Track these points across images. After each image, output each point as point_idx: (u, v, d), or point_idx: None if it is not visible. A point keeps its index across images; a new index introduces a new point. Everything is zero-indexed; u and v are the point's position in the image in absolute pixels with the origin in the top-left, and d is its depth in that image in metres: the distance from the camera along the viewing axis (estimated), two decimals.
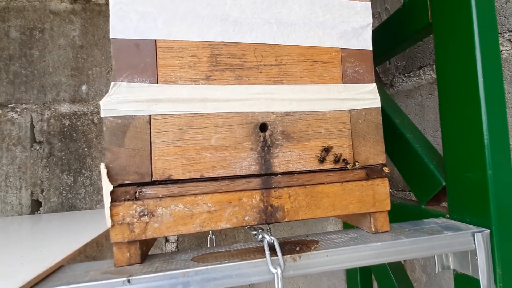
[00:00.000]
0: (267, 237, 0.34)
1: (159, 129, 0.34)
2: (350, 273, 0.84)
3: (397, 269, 0.66)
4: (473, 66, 0.42)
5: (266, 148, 0.37)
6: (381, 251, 0.35)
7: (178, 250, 0.80)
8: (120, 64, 0.34)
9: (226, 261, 0.32)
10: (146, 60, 0.35)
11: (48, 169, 0.74)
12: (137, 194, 0.33)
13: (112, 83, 0.34)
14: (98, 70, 0.79)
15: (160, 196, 0.33)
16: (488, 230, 0.40)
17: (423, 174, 0.52)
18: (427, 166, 0.51)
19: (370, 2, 0.42)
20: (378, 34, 0.66)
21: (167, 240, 0.79)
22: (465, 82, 0.43)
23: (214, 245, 0.67)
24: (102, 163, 0.33)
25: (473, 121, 0.42)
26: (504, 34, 0.51)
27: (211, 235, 0.67)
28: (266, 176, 0.37)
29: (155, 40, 0.35)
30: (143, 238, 0.33)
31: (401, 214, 0.56)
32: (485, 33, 0.42)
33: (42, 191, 0.74)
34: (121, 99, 0.34)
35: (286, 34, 0.39)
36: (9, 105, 0.74)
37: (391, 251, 0.36)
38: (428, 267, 0.71)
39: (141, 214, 0.32)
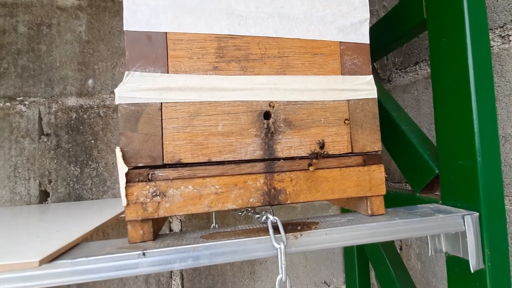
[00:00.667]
0: (270, 217, 0.37)
1: (169, 116, 0.37)
2: (348, 263, 0.87)
3: (394, 257, 0.68)
4: (464, 60, 0.44)
5: (269, 135, 0.39)
6: (376, 231, 0.38)
7: None
8: (133, 55, 0.36)
9: (233, 238, 0.34)
10: (157, 51, 0.37)
11: (55, 161, 0.77)
12: (149, 176, 0.35)
13: (126, 72, 0.36)
14: (104, 64, 0.81)
15: (171, 178, 0.36)
16: (477, 213, 0.42)
17: (417, 163, 0.55)
18: (421, 156, 0.54)
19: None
20: (376, 30, 0.68)
21: (171, 230, 0.82)
22: (457, 75, 0.46)
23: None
24: (117, 147, 0.35)
25: (464, 112, 0.44)
26: (495, 30, 0.53)
27: (214, 224, 0.70)
28: (270, 161, 0.39)
29: (166, 32, 0.37)
30: (156, 217, 0.35)
31: (396, 201, 0.59)
32: (476, 29, 0.44)
33: (50, 181, 0.76)
34: (135, 88, 0.36)
35: (288, 28, 0.41)
36: (18, 98, 0.76)
37: (386, 231, 0.38)
38: (423, 255, 0.74)
39: (153, 194, 0.35)
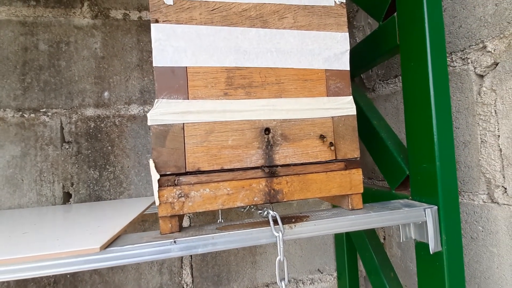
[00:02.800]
0: (271, 212, 0.47)
1: (190, 134, 0.46)
2: (339, 252, 0.98)
3: (376, 246, 0.79)
4: (426, 81, 0.55)
5: (269, 147, 0.49)
6: (355, 221, 0.48)
7: None
8: (161, 85, 0.46)
9: (242, 229, 0.44)
10: (179, 82, 0.47)
11: (77, 165, 0.86)
12: (176, 181, 0.45)
13: (156, 100, 0.45)
14: (118, 78, 0.90)
15: (192, 183, 0.46)
16: (436, 207, 0.53)
17: (393, 165, 0.65)
18: (396, 159, 0.64)
19: (348, 33, 0.54)
20: (361, 48, 0.78)
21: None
22: (421, 94, 0.56)
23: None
24: (150, 159, 0.44)
25: (426, 123, 0.55)
26: (457, 53, 0.64)
27: (220, 219, 0.80)
28: (270, 168, 0.49)
29: (186, 66, 0.47)
30: (181, 213, 0.45)
31: (376, 197, 0.70)
32: (436, 56, 0.54)
33: (72, 184, 0.85)
34: (163, 112, 0.45)
35: (284, 59, 0.51)
36: (41, 110, 0.85)
37: (362, 222, 0.49)
38: (402, 244, 0.85)
39: (179, 196, 0.45)
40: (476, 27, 0.59)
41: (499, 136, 0.56)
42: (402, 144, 0.68)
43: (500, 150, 0.56)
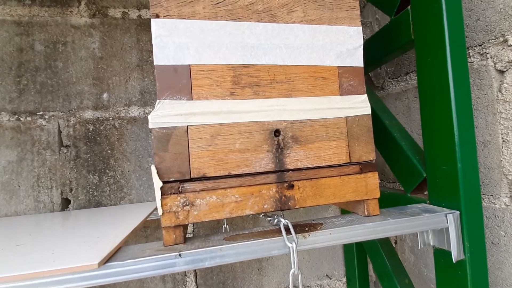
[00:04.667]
0: (282, 220, 0.44)
1: (194, 137, 0.43)
2: (348, 257, 0.94)
3: (389, 251, 0.76)
4: (445, 77, 0.51)
5: (279, 150, 0.46)
6: (372, 229, 0.45)
7: None
8: (162, 85, 0.42)
9: (252, 239, 0.41)
10: (182, 81, 0.43)
11: (75, 170, 0.83)
12: (180, 188, 0.42)
13: (157, 101, 0.42)
14: (117, 79, 0.87)
15: (198, 190, 0.42)
16: (458, 212, 0.49)
17: (408, 167, 0.62)
18: (411, 161, 0.61)
19: (361, 27, 0.51)
20: (369, 45, 0.75)
21: None
22: (439, 90, 0.52)
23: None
24: (152, 165, 0.41)
25: (446, 122, 0.51)
26: (475, 48, 0.60)
27: (225, 225, 0.76)
28: (280, 172, 0.46)
29: (189, 65, 0.44)
30: (186, 223, 0.41)
31: (390, 201, 0.66)
32: (455, 51, 0.51)
33: (71, 190, 0.82)
34: (165, 114, 0.42)
35: (293, 56, 0.48)
36: (38, 113, 0.82)
37: (380, 229, 0.45)
38: (415, 249, 0.81)
39: (184, 204, 0.41)
40: (496, 20, 0.56)
41: None
42: (417, 145, 0.64)
43: None
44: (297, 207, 0.46)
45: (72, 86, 0.84)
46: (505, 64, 0.55)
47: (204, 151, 0.43)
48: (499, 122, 0.56)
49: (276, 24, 0.47)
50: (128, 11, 0.89)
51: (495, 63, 0.57)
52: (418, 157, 0.61)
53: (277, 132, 0.46)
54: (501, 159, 0.56)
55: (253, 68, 0.46)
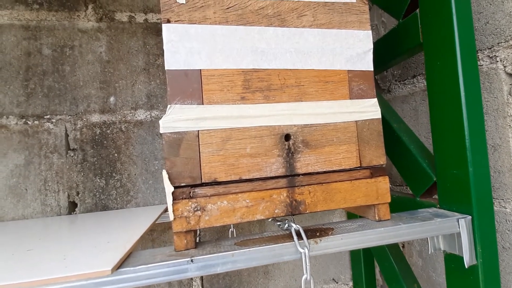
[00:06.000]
0: (293, 225, 0.43)
1: (205, 142, 0.43)
2: (355, 260, 0.94)
3: (397, 255, 0.75)
4: (456, 81, 0.51)
5: (290, 154, 0.46)
6: (384, 235, 0.44)
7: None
8: (173, 90, 0.43)
9: (264, 244, 0.41)
10: (193, 86, 0.43)
11: (82, 174, 0.83)
12: (191, 193, 0.42)
13: (168, 105, 0.42)
14: (124, 82, 0.87)
15: (209, 195, 0.42)
16: (470, 216, 0.49)
17: (417, 171, 0.61)
18: (420, 165, 0.61)
19: (371, 31, 0.51)
20: (376, 48, 0.74)
21: None
22: (450, 94, 0.52)
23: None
24: (164, 170, 0.41)
25: (457, 127, 0.51)
26: (484, 51, 0.60)
27: (232, 228, 0.76)
28: (291, 177, 0.45)
29: (200, 69, 0.44)
30: (197, 228, 0.41)
31: (399, 205, 0.66)
32: (466, 54, 0.51)
33: (78, 193, 0.82)
34: (176, 118, 0.42)
35: (304, 60, 0.47)
36: (45, 117, 0.82)
37: (392, 235, 0.45)
38: (424, 253, 0.80)
39: (195, 209, 0.41)
40: (506, 23, 0.55)
41: None
42: (426, 148, 0.64)
43: None
44: (308, 212, 0.45)
45: (79, 89, 0.84)
46: None
47: (215, 155, 0.43)
48: (510, 125, 0.56)
49: (286, 29, 0.47)
50: (135, 15, 0.90)
51: (505, 66, 0.56)
52: (427, 161, 0.60)
53: (287, 137, 0.46)
54: None
55: (263, 72, 0.46)
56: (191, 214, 0.41)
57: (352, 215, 0.91)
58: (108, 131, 0.85)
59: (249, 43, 0.45)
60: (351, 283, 0.96)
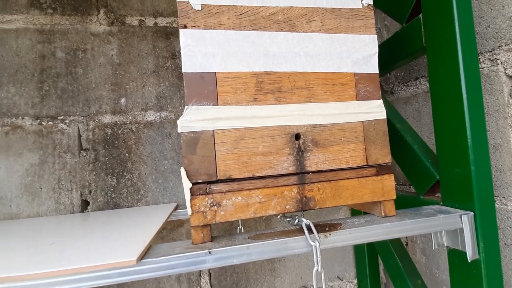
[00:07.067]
0: (304, 220, 0.45)
1: (220, 140, 0.45)
2: (359, 258, 0.96)
3: (401, 252, 0.77)
4: (458, 83, 0.53)
5: (300, 153, 0.48)
6: (390, 229, 0.47)
7: None
8: (190, 92, 0.45)
9: (276, 238, 0.43)
10: (209, 88, 0.46)
11: (94, 173, 0.85)
12: (207, 190, 0.44)
13: (186, 106, 0.45)
14: (135, 84, 0.90)
15: (224, 191, 0.44)
16: (472, 213, 0.51)
17: (420, 170, 0.63)
18: (424, 164, 0.63)
19: (376, 35, 0.53)
20: (380, 51, 0.77)
21: None
22: (452, 96, 0.54)
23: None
24: (182, 167, 0.43)
25: (459, 127, 0.53)
26: (485, 54, 0.62)
27: (240, 226, 0.78)
28: (301, 174, 0.48)
29: (215, 72, 0.46)
30: (213, 222, 0.44)
31: (403, 203, 0.68)
32: (467, 57, 0.53)
33: (90, 192, 0.85)
34: (193, 119, 0.44)
35: (312, 63, 0.50)
36: (59, 118, 0.85)
37: (397, 229, 0.47)
38: (427, 250, 0.82)
39: (211, 204, 0.43)
40: (506, 27, 0.58)
41: None
42: (429, 148, 0.66)
43: None
44: (317, 207, 0.48)
45: (91, 91, 0.87)
46: None
47: (229, 154, 0.45)
48: (510, 126, 0.58)
49: (296, 33, 0.50)
50: (145, 19, 0.92)
51: (505, 69, 0.59)
52: (430, 160, 0.62)
53: (297, 136, 0.48)
54: None
55: (274, 75, 0.48)
56: (207, 209, 0.43)
57: (356, 213, 0.93)
58: (119, 132, 0.88)
59: (261, 47, 0.48)
60: (355, 281, 0.98)
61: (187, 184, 0.43)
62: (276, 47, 0.49)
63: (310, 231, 0.44)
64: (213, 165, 0.45)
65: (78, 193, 0.84)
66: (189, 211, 0.43)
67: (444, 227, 0.50)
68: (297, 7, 0.50)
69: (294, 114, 0.48)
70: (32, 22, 0.86)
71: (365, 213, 0.57)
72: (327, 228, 0.46)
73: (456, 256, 0.54)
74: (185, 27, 0.46)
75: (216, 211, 0.44)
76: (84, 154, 0.85)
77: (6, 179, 0.80)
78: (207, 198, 0.43)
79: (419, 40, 0.62)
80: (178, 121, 0.44)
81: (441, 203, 0.59)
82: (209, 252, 0.40)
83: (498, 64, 0.60)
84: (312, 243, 0.42)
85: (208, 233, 0.44)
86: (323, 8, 0.51)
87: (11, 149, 0.81)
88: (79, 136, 0.85)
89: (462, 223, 0.50)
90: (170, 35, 0.93)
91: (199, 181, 0.44)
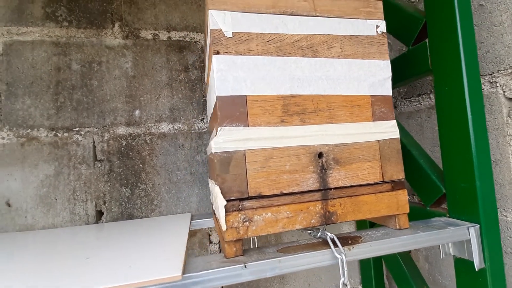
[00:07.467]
0: (328, 233, 0.49)
1: (251, 160, 0.48)
2: (364, 265, 1.00)
3: (406, 258, 0.81)
4: (463, 104, 0.58)
5: (323, 170, 0.51)
6: (407, 242, 0.50)
7: (220, 249, 0.93)
8: (223, 114, 0.48)
9: (304, 251, 0.46)
10: (240, 110, 0.49)
11: (109, 184, 0.87)
12: (240, 206, 0.47)
13: (219, 128, 0.48)
14: (149, 97, 0.92)
15: (255, 207, 0.47)
16: (478, 225, 0.55)
17: (427, 184, 0.68)
18: (430, 177, 0.67)
19: (389, 60, 0.58)
20: None
21: (210, 242, 0.93)
22: (457, 115, 0.59)
23: (256, 246, 0.81)
24: (216, 186, 0.46)
25: (465, 145, 0.58)
26: (485, 77, 0.67)
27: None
28: (324, 191, 0.51)
29: (246, 95, 0.49)
30: (245, 237, 0.46)
31: (411, 215, 0.72)
32: (471, 80, 0.58)
33: (105, 202, 0.86)
34: (226, 139, 0.47)
35: (333, 86, 0.54)
36: (74, 129, 0.86)
37: (413, 242, 0.51)
38: (430, 257, 0.87)
39: (244, 220, 0.46)
40: (505, 53, 0.63)
41: None
42: (434, 162, 0.71)
43: None
44: (339, 221, 0.51)
45: (106, 103, 0.89)
46: None
47: (259, 172, 0.48)
48: (509, 143, 0.63)
49: (318, 59, 0.53)
50: (159, 33, 0.95)
51: (504, 91, 0.64)
52: (436, 174, 0.67)
53: (320, 155, 0.52)
54: None
55: (299, 97, 0.52)
56: (240, 225, 0.46)
57: (361, 224, 0.97)
58: (134, 143, 0.89)
59: (287, 71, 0.51)
60: (360, 286, 1.02)
61: (222, 202, 0.46)
62: (301, 71, 0.52)
63: (334, 243, 0.47)
64: (245, 183, 0.48)
65: (93, 204, 0.85)
66: (223, 227, 0.45)
67: (453, 239, 0.54)
68: (318, 34, 0.54)
69: (317, 134, 0.52)
70: (47, 35, 0.87)
71: (373, 225, 0.61)
72: (349, 241, 0.50)
73: (462, 264, 0.59)
74: (217, 53, 0.49)
75: (248, 227, 0.47)
76: (99, 165, 0.87)
77: (22, 190, 0.81)
78: (240, 214, 0.46)
79: (426, 63, 0.67)
80: (212, 142, 0.47)
81: (447, 215, 0.63)
82: (245, 266, 0.43)
83: (498, 86, 0.65)
84: (338, 256, 0.45)
85: (240, 247, 0.47)
86: (342, 35, 0.55)
87: (26, 160, 0.82)
88: (94, 147, 0.87)
89: (469, 235, 0.54)
90: (183, 48, 0.96)
91: (232, 198, 0.47)
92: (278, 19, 0.52)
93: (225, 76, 0.49)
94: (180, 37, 0.96)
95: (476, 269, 0.54)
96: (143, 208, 0.88)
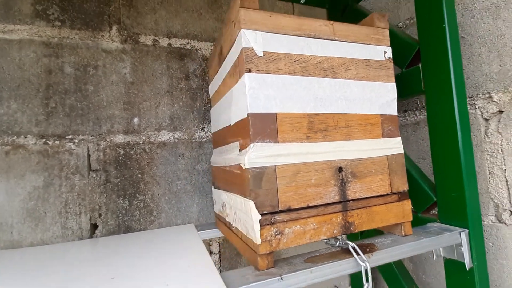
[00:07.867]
0: (349, 243, 0.53)
1: (281, 175, 0.51)
2: None
3: (396, 260, 0.89)
4: (453, 121, 0.66)
5: (343, 184, 0.55)
6: (414, 247, 0.56)
7: (220, 260, 0.93)
8: (255, 130, 0.50)
9: (331, 261, 0.49)
10: (271, 127, 0.51)
11: (105, 195, 0.82)
12: (272, 220, 0.49)
13: (251, 144, 0.49)
14: (148, 104, 0.89)
15: (285, 220, 0.50)
16: (467, 230, 0.64)
17: (419, 193, 0.76)
18: (422, 187, 0.75)
19: (395, 83, 0.64)
20: None
21: (211, 252, 0.92)
22: (448, 133, 0.67)
23: None
24: (250, 201, 0.48)
25: (455, 160, 0.66)
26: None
27: None
28: (344, 202, 0.55)
29: (276, 113, 0.51)
30: (277, 250, 0.48)
31: None
32: (460, 101, 0.66)
33: (100, 215, 0.81)
34: (258, 155, 0.49)
35: (350, 106, 0.58)
36: (67, 137, 0.80)
37: (419, 247, 0.57)
38: (414, 257, 0.96)
39: (276, 233, 0.48)
40: (483, 80, 0.74)
41: (505, 169, 0.70)
42: (424, 174, 0.79)
43: (507, 181, 0.70)
44: (356, 231, 0.55)
45: (102, 110, 0.84)
46: (490, 114, 0.73)
47: (288, 186, 0.51)
48: (486, 158, 0.73)
49: (337, 80, 0.58)
50: (159, 39, 0.93)
51: (482, 113, 0.74)
52: (427, 184, 0.75)
53: (340, 169, 0.56)
54: (488, 186, 0.73)
55: (322, 116, 0.55)
56: (272, 238, 0.48)
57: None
58: (132, 152, 0.86)
59: (311, 91, 0.55)
60: None
61: (256, 216, 0.47)
62: (323, 91, 0.56)
63: (355, 252, 0.51)
64: (276, 197, 0.50)
65: (87, 217, 0.80)
66: (258, 240, 0.47)
67: (449, 243, 0.61)
68: (337, 57, 0.58)
69: (337, 150, 0.56)
70: (37, 34, 0.81)
71: (362, 233, 0.67)
72: (367, 249, 0.54)
73: (451, 265, 0.67)
74: (249, 71, 0.51)
75: (280, 239, 0.48)
76: (94, 175, 0.82)
77: (7, 204, 0.73)
78: (272, 228, 0.48)
79: (419, 85, 0.75)
80: (245, 157, 0.48)
81: (438, 220, 0.71)
82: (281, 278, 0.45)
83: (476, 108, 0.75)
84: (362, 263, 0.49)
85: (272, 260, 0.48)
86: (357, 59, 0.60)
87: (12, 170, 0.75)
88: (89, 156, 0.82)
89: (461, 239, 0.62)
90: (184, 56, 0.95)
91: (265, 212, 0.48)
92: (303, 41, 0.55)
93: (257, 94, 0.50)
94: (181, 44, 0.95)
95: (467, 268, 0.62)
96: (141, 219, 0.85)
